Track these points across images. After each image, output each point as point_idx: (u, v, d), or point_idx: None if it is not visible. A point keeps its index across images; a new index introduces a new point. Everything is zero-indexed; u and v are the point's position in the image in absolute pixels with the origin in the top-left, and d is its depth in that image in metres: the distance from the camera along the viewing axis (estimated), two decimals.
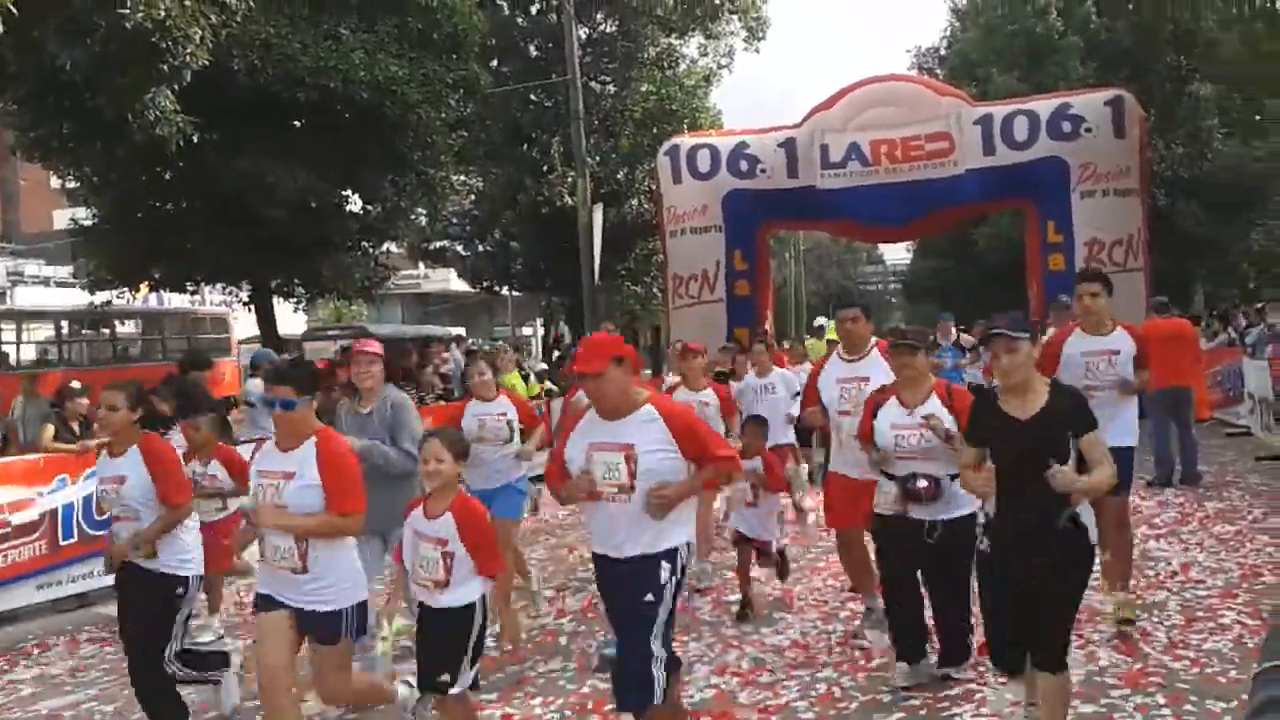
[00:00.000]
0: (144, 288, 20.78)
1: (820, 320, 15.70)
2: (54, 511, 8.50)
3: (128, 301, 21.39)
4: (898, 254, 61.65)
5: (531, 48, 27.62)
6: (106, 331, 23.06)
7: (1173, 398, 10.83)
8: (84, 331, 22.80)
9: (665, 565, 4.34)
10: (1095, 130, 16.18)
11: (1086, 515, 4.22)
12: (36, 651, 7.49)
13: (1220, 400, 15.94)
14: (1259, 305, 17.72)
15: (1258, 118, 24.97)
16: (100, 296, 19.67)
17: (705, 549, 8.06)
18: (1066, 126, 16.26)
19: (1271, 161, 26.04)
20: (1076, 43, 28.01)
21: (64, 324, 22.03)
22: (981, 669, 5.50)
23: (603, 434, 4.41)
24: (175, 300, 23.72)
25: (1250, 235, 28.17)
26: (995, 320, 4.64)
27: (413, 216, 21.65)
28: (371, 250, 21.03)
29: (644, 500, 4.28)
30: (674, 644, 6.34)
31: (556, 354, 24.39)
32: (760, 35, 29.35)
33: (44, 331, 21.81)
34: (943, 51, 35.70)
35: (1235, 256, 28.39)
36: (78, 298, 21.94)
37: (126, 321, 23.89)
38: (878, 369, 6.00)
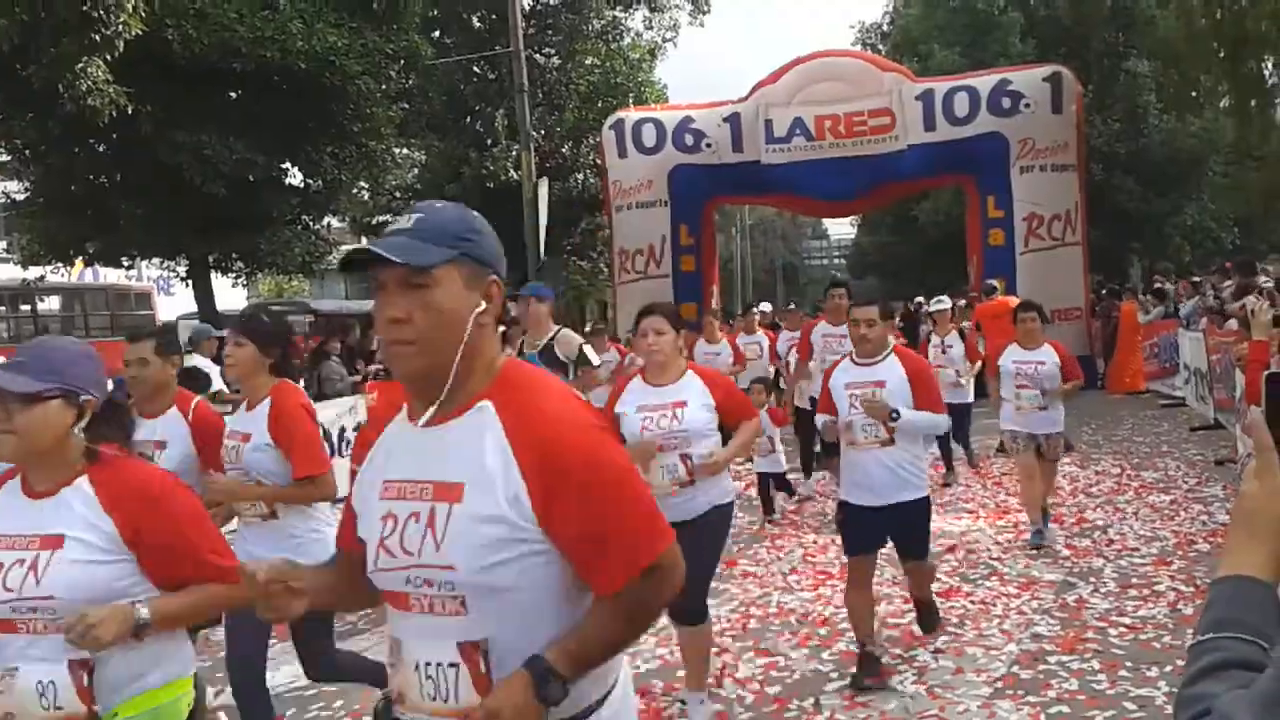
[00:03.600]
0: (79, 263, 20.23)
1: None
2: None
3: (64, 278, 20.78)
4: (842, 229, 61.95)
5: (474, 19, 27.27)
6: (27, 308, 22.19)
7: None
8: None
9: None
10: (1034, 106, 16.37)
11: None
12: None
13: (1156, 372, 16.25)
14: (1195, 279, 18.04)
15: (1193, 94, 25.33)
16: (34, 272, 19.15)
17: None
18: (1006, 102, 16.43)
19: (1205, 137, 26.47)
20: (1017, 19, 28.23)
21: None
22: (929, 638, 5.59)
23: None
24: (111, 275, 23.08)
25: (1184, 209, 28.61)
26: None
27: (354, 190, 21.37)
28: (312, 224, 20.71)
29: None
30: None
31: (502, 329, 24.26)
32: (705, 9, 29.26)
33: None
34: (885, 27, 35.84)
35: (1170, 230, 28.81)
36: (10, 273, 21.22)
37: (48, 298, 22.92)
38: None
